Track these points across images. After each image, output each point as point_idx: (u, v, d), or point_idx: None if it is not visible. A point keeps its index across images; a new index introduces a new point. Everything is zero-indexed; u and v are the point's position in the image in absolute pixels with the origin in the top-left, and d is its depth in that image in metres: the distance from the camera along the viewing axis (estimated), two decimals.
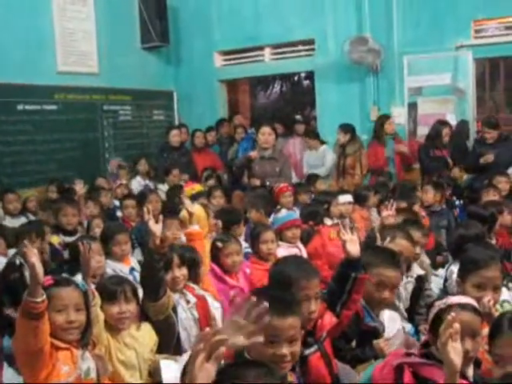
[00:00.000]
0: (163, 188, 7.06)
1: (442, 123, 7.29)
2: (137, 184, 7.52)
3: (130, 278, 3.70)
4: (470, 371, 2.17)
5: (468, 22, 7.69)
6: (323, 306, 2.58)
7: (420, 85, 7.97)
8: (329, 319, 2.57)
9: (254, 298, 1.84)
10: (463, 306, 2.19)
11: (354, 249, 2.70)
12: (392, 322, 2.49)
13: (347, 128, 7.78)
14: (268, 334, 1.98)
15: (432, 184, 6.08)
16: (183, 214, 4.34)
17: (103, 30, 8.42)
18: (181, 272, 3.28)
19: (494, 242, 4.22)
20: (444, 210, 5.94)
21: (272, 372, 1.76)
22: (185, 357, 2.19)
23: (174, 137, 8.02)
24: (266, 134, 6.59)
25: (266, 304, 1.78)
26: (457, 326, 1.83)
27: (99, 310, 2.77)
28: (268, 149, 6.55)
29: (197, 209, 4.37)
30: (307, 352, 2.28)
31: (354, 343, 2.82)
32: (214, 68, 9.53)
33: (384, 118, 7.71)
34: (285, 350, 2.01)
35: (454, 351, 1.80)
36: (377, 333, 2.90)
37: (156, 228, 2.93)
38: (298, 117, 10.85)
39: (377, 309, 2.92)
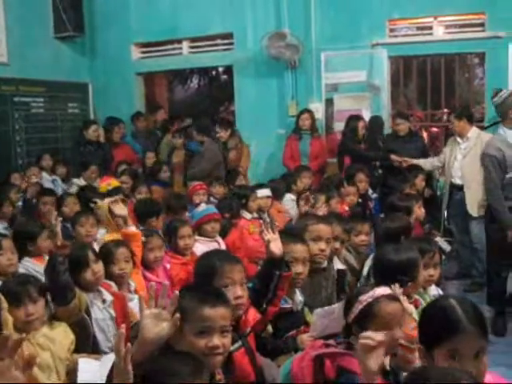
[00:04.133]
0: (79, 183, 6.88)
1: (356, 118, 7.44)
2: (44, 180, 7.24)
3: None
4: (387, 360, 2.20)
5: (383, 21, 7.89)
6: (247, 302, 2.58)
7: (336, 81, 8.11)
8: (253, 315, 2.58)
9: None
10: (390, 297, 2.25)
11: (277, 248, 2.73)
12: (321, 319, 2.50)
13: (227, 124, 8.00)
14: (199, 325, 1.98)
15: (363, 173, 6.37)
16: (104, 211, 4.24)
17: (13, 18, 8.07)
18: (98, 267, 3.20)
19: None
20: (359, 203, 6.08)
21: (200, 367, 1.79)
22: (110, 356, 2.12)
23: (94, 132, 7.83)
24: None
25: (177, 292, 1.90)
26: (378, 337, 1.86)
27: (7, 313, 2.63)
28: None
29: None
30: (232, 348, 2.26)
31: (269, 328, 2.84)
32: (130, 60, 9.33)
33: (300, 113, 7.80)
34: (216, 340, 1.98)
35: (375, 360, 1.83)
36: (295, 314, 2.96)
37: (59, 230, 2.84)
38: None
39: (291, 289, 2.97)
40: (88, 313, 3.05)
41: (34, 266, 3.82)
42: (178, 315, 1.90)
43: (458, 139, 6.25)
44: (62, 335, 2.84)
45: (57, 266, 2.81)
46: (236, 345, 2.36)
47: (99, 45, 9.38)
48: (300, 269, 3.00)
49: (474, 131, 6.21)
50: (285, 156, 7.74)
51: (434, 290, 3.23)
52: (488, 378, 1.94)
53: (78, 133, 8.21)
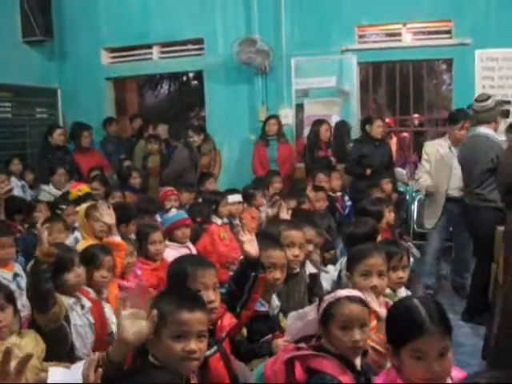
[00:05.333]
0: (47, 189, 6.78)
1: (319, 122, 7.49)
2: (14, 185, 7.11)
3: (13, 284, 3.53)
4: (358, 361, 2.24)
5: (352, 27, 7.98)
6: (223, 307, 2.59)
7: (307, 86, 8.16)
8: (228, 320, 2.58)
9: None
10: (351, 299, 2.26)
11: (253, 249, 2.74)
12: (295, 322, 2.51)
13: (199, 129, 8.02)
14: (177, 329, 1.99)
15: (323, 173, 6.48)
16: (81, 216, 4.21)
17: None
18: (82, 271, 3.19)
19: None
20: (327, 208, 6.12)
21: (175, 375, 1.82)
22: (80, 364, 2.12)
23: (60, 136, 7.72)
24: None
25: (152, 290, 1.89)
26: None
27: None
28: None
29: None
30: (208, 353, 2.26)
31: (244, 331, 2.84)
32: (100, 65, 9.26)
33: (267, 119, 7.81)
34: (193, 344, 1.99)
35: None
36: (271, 318, 2.97)
37: (45, 237, 2.80)
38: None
39: (268, 293, 2.98)
40: (67, 318, 3.01)
41: (1, 273, 3.77)
42: (155, 311, 1.97)
43: (453, 148, 5.84)
44: (32, 343, 2.79)
45: (40, 273, 2.77)
46: (212, 350, 2.36)
47: (68, 49, 9.29)
48: (278, 274, 2.99)
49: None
50: (253, 162, 7.75)
51: (404, 292, 3.27)
52: (456, 374, 1.98)
53: (42, 138, 8.06)
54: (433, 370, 1.84)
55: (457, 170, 5.62)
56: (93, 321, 3.20)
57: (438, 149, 5.90)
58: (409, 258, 3.50)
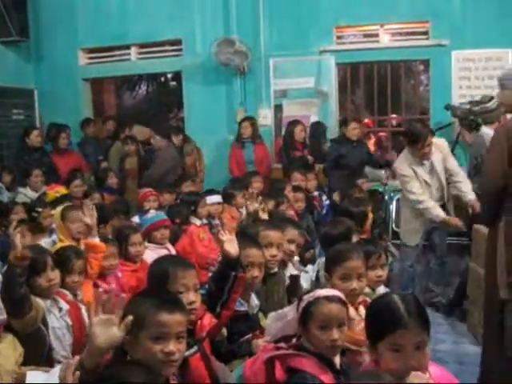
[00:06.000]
0: (24, 191, 6.70)
1: (294, 123, 7.50)
2: None
3: None
4: (337, 359, 2.26)
5: (330, 28, 8.03)
6: (203, 307, 2.58)
7: (285, 87, 8.19)
8: (208, 320, 2.58)
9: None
10: (329, 298, 2.27)
11: (233, 248, 2.75)
12: (275, 322, 2.51)
13: (177, 130, 7.99)
14: (156, 331, 1.98)
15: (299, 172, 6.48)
16: (57, 218, 4.17)
17: None
18: (55, 274, 3.14)
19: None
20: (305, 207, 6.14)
21: (153, 374, 1.82)
22: (57, 369, 2.10)
23: (37, 137, 7.64)
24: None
25: (123, 295, 1.98)
26: None
27: None
28: None
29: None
30: (188, 353, 2.25)
31: (224, 331, 2.84)
32: (77, 66, 9.19)
33: (241, 121, 7.78)
34: (172, 346, 1.98)
35: None
36: (250, 317, 2.98)
37: (19, 240, 2.75)
38: None
39: (247, 292, 2.99)
40: (44, 321, 2.97)
41: None
42: (130, 317, 1.95)
43: (425, 161, 5.44)
44: (9, 347, 2.75)
45: (14, 278, 2.73)
46: (192, 350, 2.35)
47: (45, 50, 9.20)
48: (256, 273, 3.01)
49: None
50: (230, 163, 7.73)
51: (383, 291, 3.28)
52: (435, 370, 2.00)
53: (19, 140, 7.96)
54: (409, 363, 1.87)
55: (433, 181, 5.47)
56: (70, 323, 3.17)
57: (413, 169, 5.47)
58: (387, 256, 3.53)
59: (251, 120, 7.77)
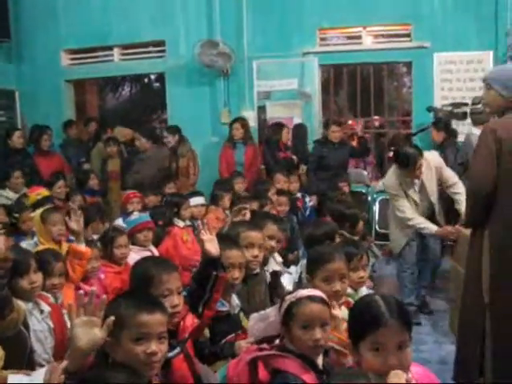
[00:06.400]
0: (5, 193, 6.64)
1: (279, 125, 7.52)
2: None
3: None
4: (320, 360, 2.26)
5: (313, 30, 8.06)
6: (185, 308, 2.58)
7: (268, 89, 8.19)
8: (191, 321, 2.58)
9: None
10: (312, 298, 2.28)
11: (213, 248, 2.76)
12: (258, 323, 2.51)
13: (174, 130, 7.81)
14: (137, 332, 1.98)
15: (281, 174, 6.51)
16: (37, 221, 4.14)
17: None
18: (37, 277, 3.11)
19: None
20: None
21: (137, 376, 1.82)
22: (41, 371, 2.09)
23: (19, 138, 7.58)
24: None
25: (104, 297, 1.98)
26: None
27: None
28: None
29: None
30: (171, 354, 2.25)
31: (206, 332, 2.85)
32: (60, 67, 9.14)
33: (232, 122, 7.74)
34: (154, 346, 1.98)
35: None
36: (232, 317, 2.99)
37: (2, 242, 2.72)
38: None
39: (228, 293, 3.00)
40: (26, 324, 2.95)
41: None
42: (112, 318, 1.96)
43: (416, 180, 5.39)
44: None
45: None
46: (175, 351, 2.35)
47: (27, 51, 9.13)
48: (236, 274, 3.02)
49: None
50: (220, 165, 7.70)
51: (365, 292, 3.30)
52: (417, 370, 2.01)
53: (1, 141, 7.89)
54: (390, 362, 1.88)
55: (423, 200, 5.41)
56: (52, 325, 3.15)
57: (403, 189, 5.43)
58: (368, 257, 3.55)
59: (242, 121, 7.73)
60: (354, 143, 8.72)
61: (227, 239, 3.19)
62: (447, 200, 5.48)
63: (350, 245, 3.43)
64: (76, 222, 3.82)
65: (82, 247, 3.80)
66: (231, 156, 7.62)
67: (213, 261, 2.75)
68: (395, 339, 1.90)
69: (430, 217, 5.46)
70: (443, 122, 7.12)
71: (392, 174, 5.46)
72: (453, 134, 7.15)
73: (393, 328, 1.90)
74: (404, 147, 5.42)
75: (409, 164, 5.20)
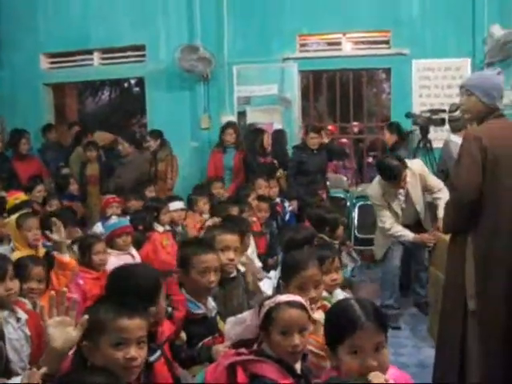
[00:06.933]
0: None
1: (259, 131, 7.52)
2: None
3: None
4: (298, 364, 2.27)
5: (294, 35, 8.09)
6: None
7: (249, 94, 8.21)
8: (168, 326, 2.61)
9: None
10: (290, 304, 2.29)
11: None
12: (234, 327, 2.52)
13: (156, 134, 7.82)
14: (116, 337, 1.97)
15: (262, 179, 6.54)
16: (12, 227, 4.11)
17: None
18: (14, 284, 3.07)
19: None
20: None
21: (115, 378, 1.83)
22: (17, 379, 2.08)
23: None
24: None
25: (75, 296, 1.89)
26: None
27: None
28: None
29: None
30: (152, 359, 2.25)
31: (183, 335, 2.85)
32: (39, 70, 9.06)
33: (224, 128, 7.68)
34: (133, 351, 1.98)
35: None
36: (208, 320, 3.00)
37: None
38: None
39: (203, 296, 3.03)
40: (1, 332, 2.91)
41: None
42: (86, 317, 1.97)
43: (401, 190, 5.45)
44: None
45: None
46: (156, 354, 2.35)
47: (5, 54, 9.03)
48: (212, 277, 3.02)
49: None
50: (208, 170, 7.65)
51: (341, 294, 3.32)
52: (393, 372, 2.03)
53: None
54: (368, 364, 1.91)
55: (407, 209, 5.48)
56: (29, 333, 3.10)
57: (386, 200, 5.49)
58: (340, 259, 3.57)
59: (235, 126, 7.71)
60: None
61: (202, 243, 3.21)
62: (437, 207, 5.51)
63: (323, 248, 3.46)
64: (58, 233, 3.78)
65: (66, 257, 3.74)
66: (220, 161, 7.59)
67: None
68: (372, 341, 1.94)
69: (417, 225, 5.54)
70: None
71: (376, 184, 5.52)
72: (405, 136, 7.21)
73: (369, 330, 1.94)
74: (387, 159, 5.46)
75: (392, 176, 5.26)
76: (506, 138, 3.36)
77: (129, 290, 2.37)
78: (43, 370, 1.90)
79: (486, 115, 3.45)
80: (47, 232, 3.86)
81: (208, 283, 3.00)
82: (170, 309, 2.79)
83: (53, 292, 2.05)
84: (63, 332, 1.95)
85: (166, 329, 2.55)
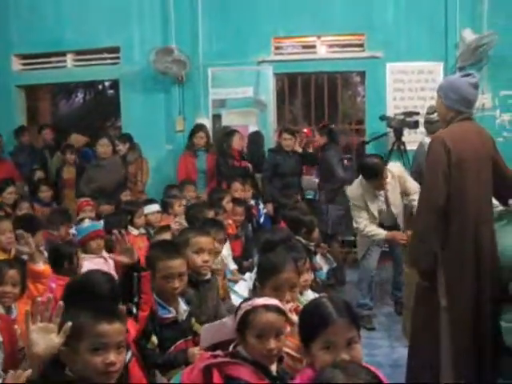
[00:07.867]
0: None
1: (230, 132, 7.52)
2: None
3: None
4: (274, 366, 2.27)
5: (268, 38, 8.10)
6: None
7: (224, 97, 8.20)
8: (133, 325, 2.61)
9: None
10: (267, 307, 2.29)
11: (126, 258, 2.95)
12: (211, 333, 2.50)
13: (125, 139, 7.83)
14: (95, 342, 1.97)
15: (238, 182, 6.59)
16: None
17: None
18: None
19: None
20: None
21: None
22: None
23: None
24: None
25: (61, 303, 2.02)
26: None
27: None
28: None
29: None
30: (126, 360, 2.23)
31: (155, 339, 2.85)
32: (11, 72, 8.93)
33: (194, 131, 7.64)
34: (113, 356, 1.97)
35: None
36: (180, 323, 3.01)
37: None
38: None
39: (171, 300, 3.04)
40: None
41: None
42: (69, 323, 1.96)
43: (380, 191, 5.54)
44: None
45: None
46: (129, 355, 2.34)
47: None
48: (176, 284, 3.01)
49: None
50: (179, 174, 7.56)
51: (312, 295, 3.35)
52: None
53: None
54: (341, 358, 1.94)
55: (385, 212, 5.57)
56: (1, 339, 3.05)
57: (365, 201, 5.54)
58: (311, 260, 3.59)
59: (206, 129, 7.67)
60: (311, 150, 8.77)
61: (169, 247, 3.19)
62: None
63: (294, 249, 3.46)
64: (27, 245, 3.71)
65: (40, 266, 3.67)
66: (192, 164, 7.54)
67: (131, 266, 2.86)
68: (344, 336, 1.99)
69: (394, 227, 5.62)
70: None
71: (357, 184, 5.60)
72: (334, 138, 7.27)
73: (341, 325, 1.99)
74: (368, 158, 5.54)
75: (373, 174, 5.34)
76: (468, 141, 3.42)
77: (86, 298, 2.37)
78: (29, 371, 1.90)
79: (451, 118, 3.49)
80: (16, 245, 3.80)
81: (171, 289, 2.99)
82: (134, 308, 2.79)
83: (38, 298, 2.06)
84: (46, 338, 1.96)
85: (130, 327, 2.55)
